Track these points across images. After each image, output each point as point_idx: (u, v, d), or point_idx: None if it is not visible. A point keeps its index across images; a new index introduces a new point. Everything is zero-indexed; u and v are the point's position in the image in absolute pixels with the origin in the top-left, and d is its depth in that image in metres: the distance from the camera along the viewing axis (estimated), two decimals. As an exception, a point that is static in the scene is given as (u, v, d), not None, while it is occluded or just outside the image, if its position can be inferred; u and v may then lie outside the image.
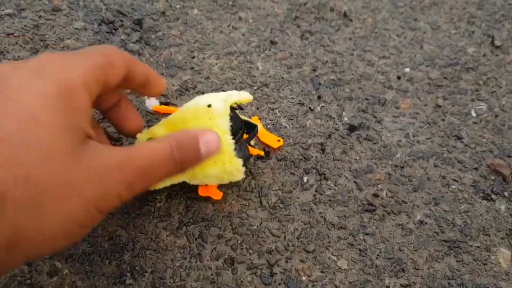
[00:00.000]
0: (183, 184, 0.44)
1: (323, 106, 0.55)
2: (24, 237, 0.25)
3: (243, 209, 0.45)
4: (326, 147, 0.51)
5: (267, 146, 0.50)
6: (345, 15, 0.67)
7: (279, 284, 0.40)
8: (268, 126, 0.52)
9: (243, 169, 0.42)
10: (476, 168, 0.51)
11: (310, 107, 0.55)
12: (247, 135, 0.44)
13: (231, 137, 0.40)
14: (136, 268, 0.40)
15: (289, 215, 0.45)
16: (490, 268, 0.43)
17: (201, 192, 0.43)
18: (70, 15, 0.60)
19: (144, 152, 0.30)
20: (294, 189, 0.47)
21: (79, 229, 0.28)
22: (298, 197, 0.47)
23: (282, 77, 0.58)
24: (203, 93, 0.54)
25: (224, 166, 0.40)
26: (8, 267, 0.28)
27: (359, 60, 0.61)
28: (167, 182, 0.42)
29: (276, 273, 0.41)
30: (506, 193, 0.49)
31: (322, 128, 0.53)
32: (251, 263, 0.41)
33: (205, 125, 0.39)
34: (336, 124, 0.54)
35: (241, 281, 0.40)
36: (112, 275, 0.40)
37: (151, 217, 0.43)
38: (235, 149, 0.40)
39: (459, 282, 0.42)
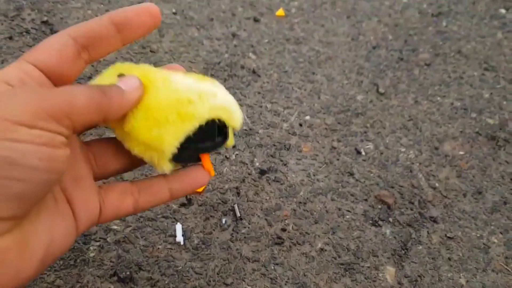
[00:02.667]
0: (116, 238, 0.48)
1: (237, 154, 0.62)
2: None
3: (169, 252, 0.50)
4: (241, 190, 0.57)
5: (191, 193, 0.56)
6: (254, 71, 0.75)
7: (203, 315, 0.45)
8: (189, 176, 0.58)
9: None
10: (365, 199, 0.59)
11: (226, 156, 0.61)
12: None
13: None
14: (74, 314, 0.44)
15: (210, 254, 0.50)
16: (378, 284, 0.51)
17: None
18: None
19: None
20: (214, 230, 0.53)
21: None
22: (217, 237, 0.52)
23: (201, 130, 0.64)
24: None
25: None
26: None
27: (267, 111, 0.68)
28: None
29: (199, 306, 0.46)
30: (390, 219, 0.57)
31: (237, 174, 0.59)
32: (178, 299, 0.46)
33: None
34: (249, 169, 0.60)
35: (169, 317, 0.45)
36: (52, 323, 0.43)
37: (86, 267, 0.47)
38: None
39: (353, 298, 0.49)
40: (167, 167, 0.32)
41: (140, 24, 0.32)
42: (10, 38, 0.70)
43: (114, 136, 0.34)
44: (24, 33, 0.72)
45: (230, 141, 0.36)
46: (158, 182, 0.35)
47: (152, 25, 0.32)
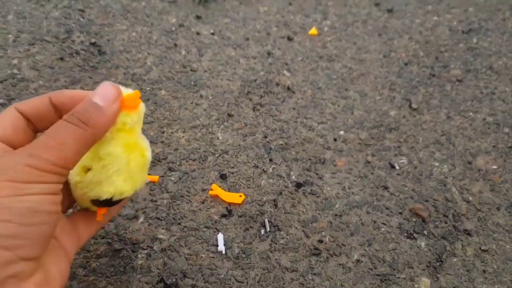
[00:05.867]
0: (162, 246, 0.50)
1: (274, 168, 0.63)
2: None
3: (212, 261, 0.51)
4: (278, 202, 0.59)
5: (231, 204, 0.57)
6: (288, 88, 0.76)
7: (245, 322, 0.47)
8: (230, 188, 0.59)
9: None
10: (400, 213, 0.59)
11: (263, 169, 0.63)
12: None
13: None
14: (125, 318, 0.45)
15: (250, 263, 0.52)
16: (414, 295, 0.51)
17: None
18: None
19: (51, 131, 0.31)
20: (254, 240, 0.54)
21: None
22: (257, 247, 0.53)
23: (239, 145, 0.66)
24: (173, 162, 0.61)
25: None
26: None
27: (302, 126, 0.70)
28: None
29: (241, 313, 0.47)
30: (425, 232, 0.57)
31: (274, 186, 0.61)
32: (221, 306, 0.48)
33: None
34: (285, 182, 0.61)
35: (213, 322, 0.46)
36: (104, 326, 0.45)
37: (134, 274, 0.49)
38: None
39: (390, 309, 0.49)
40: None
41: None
42: (61, 59, 0.74)
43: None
44: (74, 54, 0.76)
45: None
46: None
47: None
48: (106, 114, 0.32)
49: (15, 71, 0.70)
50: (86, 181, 0.36)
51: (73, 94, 0.35)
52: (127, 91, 0.36)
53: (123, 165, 0.37)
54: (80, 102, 0.32)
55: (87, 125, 0.31)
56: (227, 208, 0.57)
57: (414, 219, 0.59)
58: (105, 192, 0.37)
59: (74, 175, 0.36)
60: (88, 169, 0.36)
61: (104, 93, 0.33)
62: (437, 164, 0.66)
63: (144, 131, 0.64)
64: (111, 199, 0.38)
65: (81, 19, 0.84)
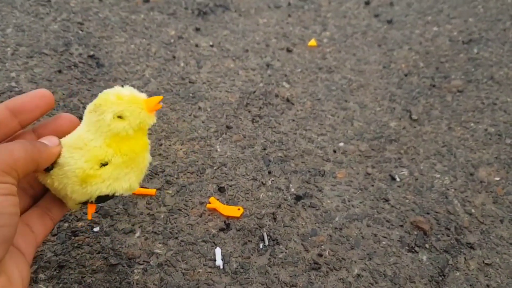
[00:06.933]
0: (158, 261, 0.49)
1: (273, 180, 0.62)
2: None
3: (209, 276, 0.50)
4: (277, 215, 0.58)
5: (229, 217, 0.56)
6: (288, 100, 0.76)
7: None
8: (229, 201, 0.59)
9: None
10: (401, 225, 0.58)
11: (262, 182, 0.62)
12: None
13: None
14: (120, 335, 0.45)
15: (249, 278, 0.51)
16: (416, 310, 0.50)
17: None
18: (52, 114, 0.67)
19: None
20: (252, 254, 0.53)
21: None
22: (255, 262, 0.52)
23: (238, 157, 0.65)
24: (171, 175, 0.61)
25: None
26: None
27: (301, 138, 0.69)
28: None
29: (239, 330, 0.46)
30: (427, 245, 0.56)
31: (273, 199, 0.60)
32: (218, 322, 0.46)
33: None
34: (284, 195, 0.61)
35: None
36: None
37: (130, 289, 0.48)
38: None
39: (391, 325, 0.48)
40: (74, 207, 0.40)
41: (34, 108, 0.36)
42: (59, 71, 0.74)
43: None
44: (72, 67, 0.76)
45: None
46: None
47: (46, 107, 0.37)
48: (50, 151, 0.35)
49: (13, 84, 0.70)
50: (105, 176, 0.37)
51: (32, 94, 0.37)
52: (142, 95, 0.38)
53: (140, 164, 0.39)
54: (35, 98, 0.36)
55: (35, 147, 0.34)
56: (225, 221, 0.56)
57: (415, 232, 0.58)
58: (121, 188, 0.38)
59: (86, 169, 0.36)
60: (103, 164, 0.37)
61: (50, 138, 0.36)
62: (438, 175, 0.65)
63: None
64: (108, 195, 0.38)
65: (80, 32, 0.84)
